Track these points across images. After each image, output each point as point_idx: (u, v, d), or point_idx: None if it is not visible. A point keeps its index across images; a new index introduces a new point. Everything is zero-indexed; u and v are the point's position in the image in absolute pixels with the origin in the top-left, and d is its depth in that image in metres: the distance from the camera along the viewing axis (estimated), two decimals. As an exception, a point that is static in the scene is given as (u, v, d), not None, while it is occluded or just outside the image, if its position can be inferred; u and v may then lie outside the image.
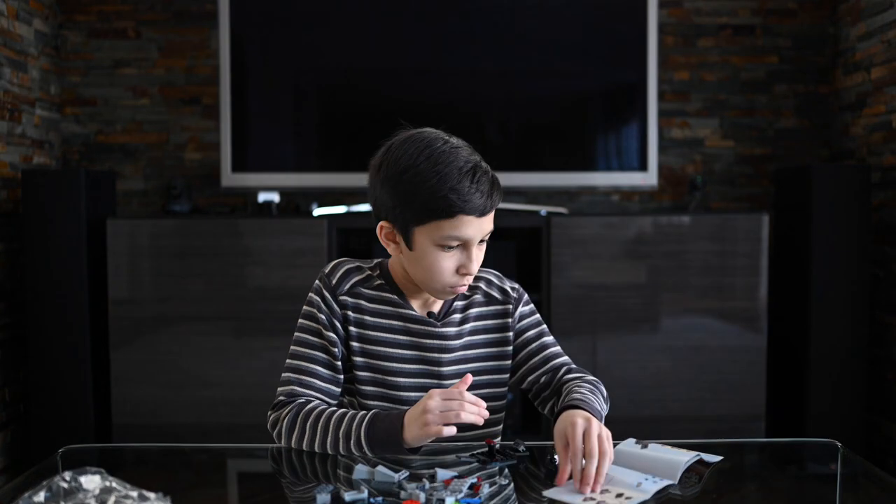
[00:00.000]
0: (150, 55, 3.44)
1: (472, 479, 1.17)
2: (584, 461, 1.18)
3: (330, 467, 1.30)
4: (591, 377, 1.48)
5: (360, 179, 3.13)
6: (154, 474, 1.36)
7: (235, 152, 3.12)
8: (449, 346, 1.46)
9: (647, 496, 1.15)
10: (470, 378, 1.30)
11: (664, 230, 2.99)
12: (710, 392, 2.98)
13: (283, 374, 1.43)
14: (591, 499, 1.14)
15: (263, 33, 3.17)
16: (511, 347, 1.52)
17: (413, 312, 1.45)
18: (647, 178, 3.16)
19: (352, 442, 1.32)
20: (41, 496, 0.98)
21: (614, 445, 1.25)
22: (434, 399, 1.27)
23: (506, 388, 1.53)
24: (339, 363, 1.43)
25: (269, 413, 1.42)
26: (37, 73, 3.23)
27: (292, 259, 2.92)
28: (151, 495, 1.00)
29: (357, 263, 1.48)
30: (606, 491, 1.17)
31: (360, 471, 1.22)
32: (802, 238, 3.03)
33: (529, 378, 1.51)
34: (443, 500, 1.10)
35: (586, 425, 1.22)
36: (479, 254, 1.39)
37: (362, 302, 1.44)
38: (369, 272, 1.47)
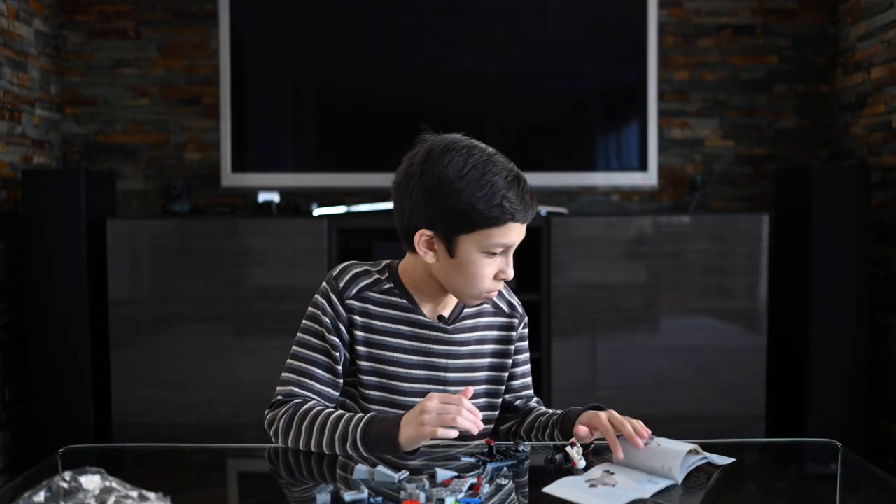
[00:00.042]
0: (150, 55, 3.44)
1: (472, 479, 1.17)
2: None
3: (329, 467, 1.30)
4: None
5: (360, 179, 3.14)
6: (154, 474, 1.36)
7: (235, 152, 3.12)
8: (456, 353, 1.47)
9: (647, 496, 1.15)
10: (471, 391, 1.31)
11: (664, 230, 2.99)
12: (710, 392, 2.98)
13: (283, 374, 1.44)
14: (606, 482, 1.19)
15: (263, 33, 3.17)
16: (511, 361, 1.54)
17: (423, 318, 1.45)
18: (647, 178, 3.16)
19: (348, 443, 1.32)
20: (41, 496, 0.98)
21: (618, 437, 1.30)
22: (433, 401, 1.28)
23: (500, 400, 1.54)
24: (340, 367, 1.43)
25: (266, 412, 1.42)
26: (37, 73, 3.23)
27: (292, 259, 2.92)
28: (151, 495, 1.00)
29: (366, 267, 1.47)
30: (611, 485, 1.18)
31: (360, 471, 1.22)
32: (802, 238, 3.03)
33: (506, 396, 1.56)
34: (443, 500, 1.10)
35: (604, 412, 1.35)
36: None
37: (370, 306, 1.44)
38: (378, 276, 1.46)
